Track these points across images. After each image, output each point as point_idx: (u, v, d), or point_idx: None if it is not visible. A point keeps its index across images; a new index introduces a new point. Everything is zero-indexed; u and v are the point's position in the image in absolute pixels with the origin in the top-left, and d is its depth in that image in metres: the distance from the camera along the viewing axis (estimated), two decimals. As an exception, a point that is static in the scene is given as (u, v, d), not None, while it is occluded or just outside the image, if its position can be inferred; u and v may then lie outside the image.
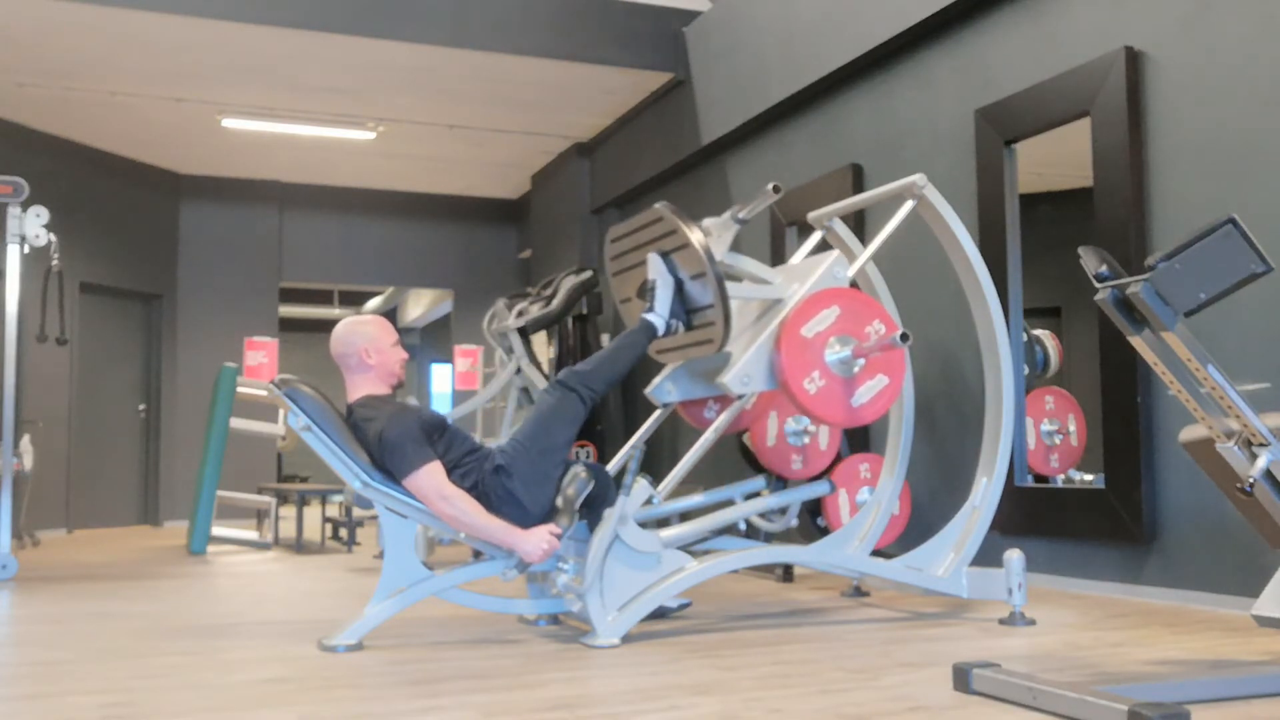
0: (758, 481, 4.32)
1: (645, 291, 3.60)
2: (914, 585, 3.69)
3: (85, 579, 5.24)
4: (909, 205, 3.77)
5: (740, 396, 3.76)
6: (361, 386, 3.42)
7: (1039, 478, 4.68)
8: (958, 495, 4.56)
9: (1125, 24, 4.17)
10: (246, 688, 2.57)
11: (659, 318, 3.55)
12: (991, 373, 3.81)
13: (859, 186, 5.59)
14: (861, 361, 3.46)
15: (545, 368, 7.88)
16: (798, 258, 4.09)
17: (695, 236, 3.41)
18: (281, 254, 10.53)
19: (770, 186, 3.46)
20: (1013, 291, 4.59)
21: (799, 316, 3.42)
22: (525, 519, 3.27)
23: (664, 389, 3.83)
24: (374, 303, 16.58)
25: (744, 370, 3.41)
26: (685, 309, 3.59)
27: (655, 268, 3.58)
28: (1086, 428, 4.74)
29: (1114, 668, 2.71)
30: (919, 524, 4.80)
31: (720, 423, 3.88)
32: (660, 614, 3.65)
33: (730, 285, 3.44)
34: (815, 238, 4.14)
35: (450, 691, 2.50)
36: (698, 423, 4.07)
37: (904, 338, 3.37)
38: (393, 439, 3.20)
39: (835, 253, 3.65)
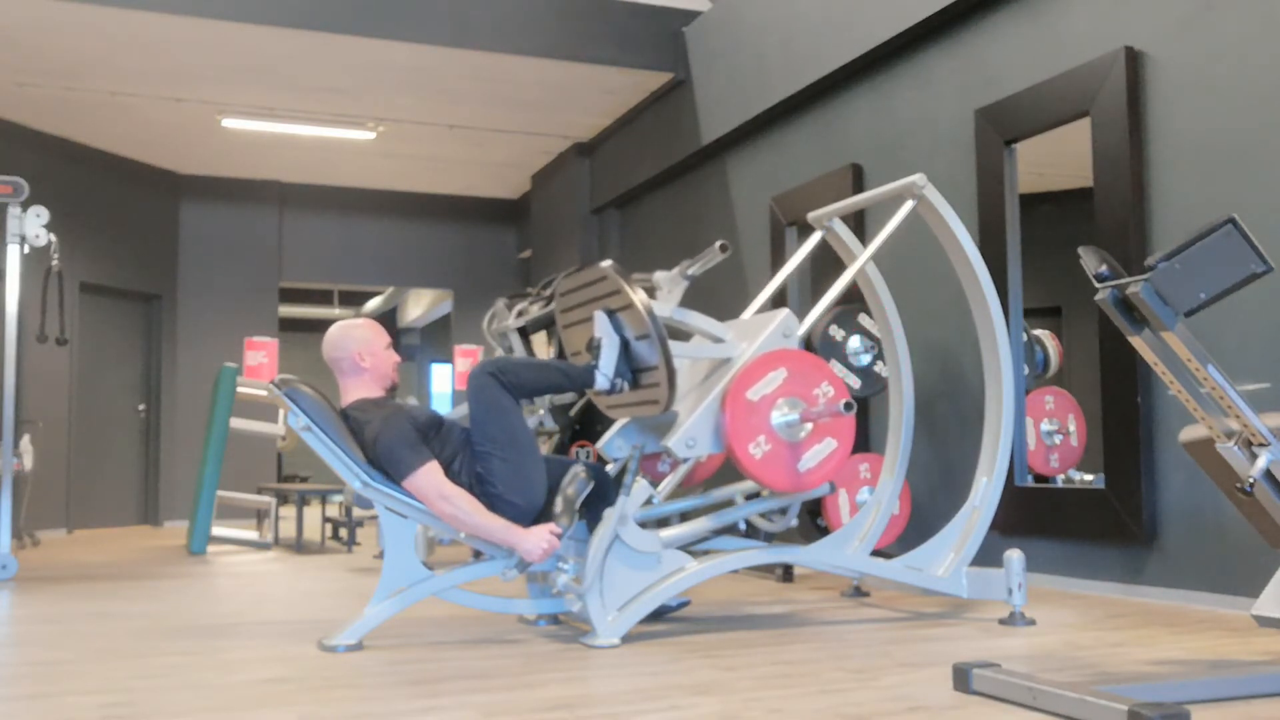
0: (757, 482, 4.32)
1: (592, 348, 3.57)
2: (914, 585, 3.69)
3: (85, 579, 5.24)
4: (909, 205, 3.77)
5: (685, 460, 3.71)
6: (355, 390, 3.41)
7: (1039, 478, 4.69)
8: (958, 495, 4.56)
9: (1125, 24, 4.17)
10: (246, 688, 2.57)
11: (604, 376, 3.51)
12: (991, 373, 3.81)
13: (859, 186, 5.59)
14: (809, 426, 3.43)
15: (545, 368, 7.87)
16: (798, 258, 4.10)
17: (639, 298, 3.37)
18: (281, 254, 10.53)
19: (719, 245, 3.45)
20: (1013, 291, 4.59)
21: (745, 378, 3.37)
22: (521, 515, 3.27)
23: (614, 444, 3.78)
24: (374, 303, 16.58)
25: (689, 433, 3.36)
26: (631, 368, 3.54)
27: (601, 326, 3.54)
28: (1086, 428, 4.74)
29: (1114, 668, 2.71)
30: (919, 524, 4.80)
31: (672, 480, 3.85)
32: (659, 613, 3.65)
33: (677, 345, 3.40)
34: (815, 238, 4.14)
35: (450, 691, 2.50)
36: (652, 475, 4.08)
37: (848, 406, 3.34)
38: (387, 443, 3.20)
39: (785, 311, 3.59)
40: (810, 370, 3.46)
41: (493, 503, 3.26)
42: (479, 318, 9.70)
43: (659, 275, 3.60)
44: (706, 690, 2.49)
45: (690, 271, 3.57)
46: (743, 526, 4.37)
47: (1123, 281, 2.29)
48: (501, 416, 3.30)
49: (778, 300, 5.67)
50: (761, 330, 3.53)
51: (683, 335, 3.72)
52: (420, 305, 15.18)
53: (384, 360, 3.45)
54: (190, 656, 3.02)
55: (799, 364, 3.45)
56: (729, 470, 5.30)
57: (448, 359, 12.19)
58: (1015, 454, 4.46)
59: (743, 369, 3.40)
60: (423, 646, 3.16)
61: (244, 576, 5.36)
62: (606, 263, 3.50)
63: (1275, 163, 3.62)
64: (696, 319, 3.61)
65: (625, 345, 3.53)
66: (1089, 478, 4.64)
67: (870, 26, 5.38)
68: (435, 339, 15.99)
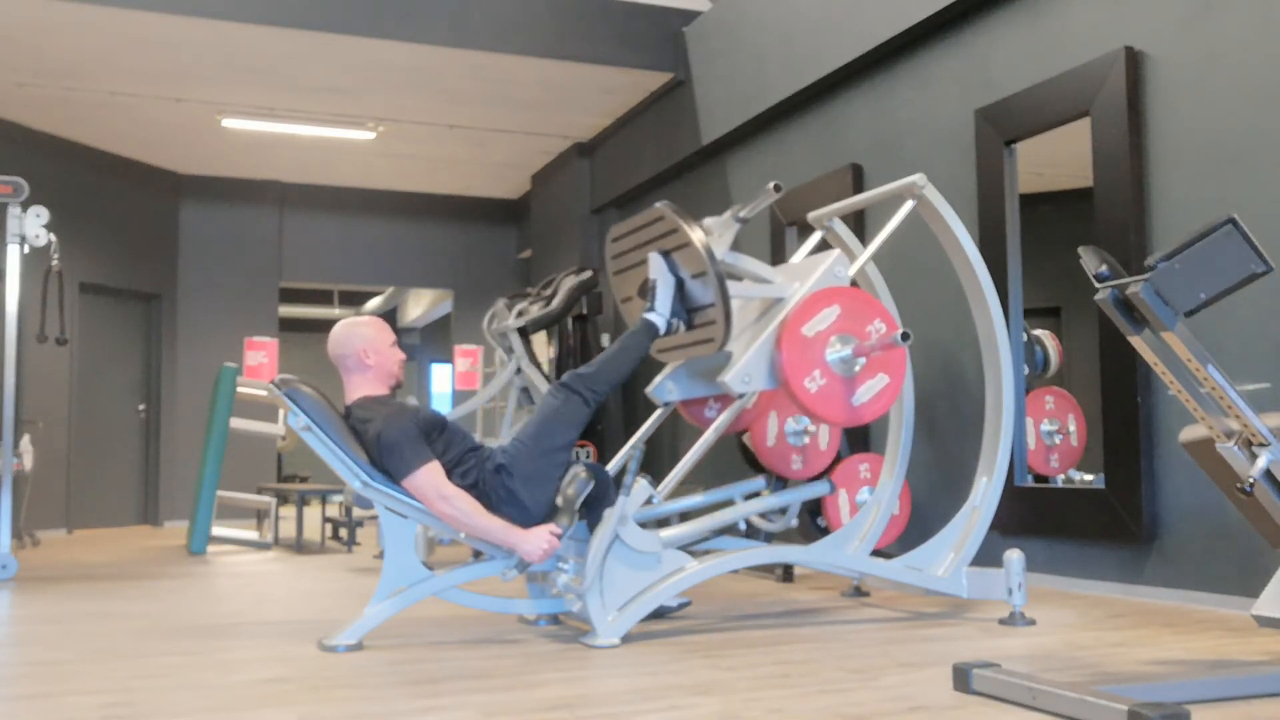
0: (758, 481, 4.32)
1: (646, 290, 3.60)
2: (914, 585, 3.69)
3: (85, 579, 5.24)
4: (909, 205, 3.77)
5: (741, 395, 3.76)
6: (360, 387, 3.41)
7: (1039, 478, 4.68)
8: (958, 495, 4.56)
9: (1125, 24, 4.17)
10: (246, 688, 2.57)
11: (660, 317, 3.56)
12: (991, 373, 3.81)
13: (859, 186, 5.59)
14: (862, 360, 3.46)
15: (545, 368, 7.89)
16: (798, 257, 4.09)
17: (696, 235, 3.41)
18: (281, 254, 10.53)
19: (771, 185, 3.46)
20: (1013, 291, 4.59)
21: (800, 315, 3.42)
22: (526, 518, 3.28)
23: (665, 388, 3.84)
24: (374, 303, 16.58)
25: (745, 369, 3.41)
26: (686, 308, 3.59)
27: (656, 267, 3.58)
28: (1086, 428, 4.73)
29: (1114, 668, 2.71)
30: (919, 524, 4.80)
31: (720, 422, 3.88)
32: (659, 613, 3.66)
33: (731, 284, 3.43)
34: (815, 238, 4.14)
35: (450, 691, 2.50)
36: (698, 421, 4.07)
37: (905, 336, 3.37)
38: (389, 440, 3.20)
39: (836, 252, 3.64)
40: (863, 308, 3.51)
41: (497, 501, 3.26)
42: (479, 318, 9.71)
43: (709, 220, 3.63)
44: (706, 690, 2.49)
45: (742, 215, 3.59)
46: (743, 526, 4.36)
47: (1123, 281, 2.29)
48: (565, 432, 3.38)
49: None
50: (813, 271, 3.59)
51: (732, 280, 3.74)
52: (420, 305, 15.18)
53: (389, 358, 3.45)
54: (190, 656, 3.02)
55: (852, 301, 3.50)
56: (730, 469, 5.30)
57: (448, 359, 12.19)
58: (1015, 454, 4.46)
59: (797, 306, 3.44)
60: (423, 646, 3.16)
61: (244, 576, 5.36)
62: (661, 203, 3.53)
63: (1275, 163, 3.62)
64: (748, 262, 3.65)
65: (680, 285, 3.56)
66: (1089, 478, 4.64)
67: (870, 26, 5.38)
68: (435, 339, 15.99)
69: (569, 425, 3.38)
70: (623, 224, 3.82)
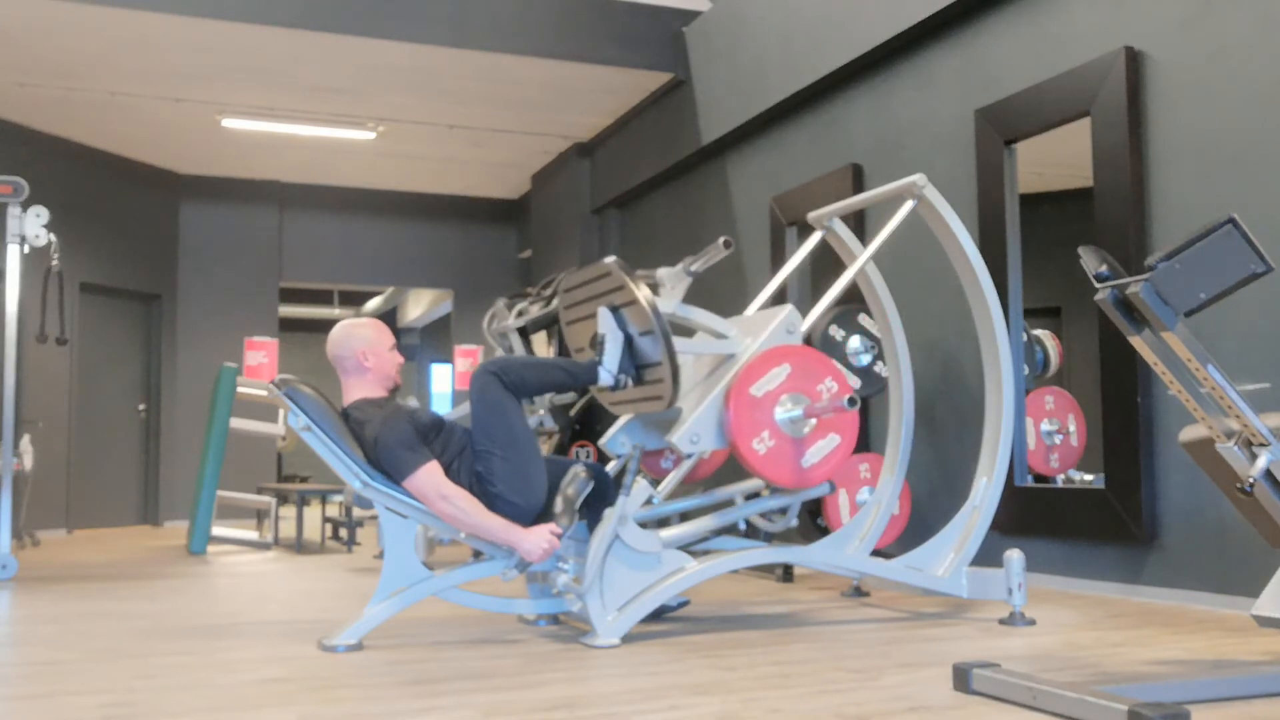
0: (758, 481, 4.32)
1: (596, 344, 3.57)
2: (914, 585, 3.69)
3: (85, 579, 5.24)
4: (909, 205, 3.77)
5: (689, 456, 3.71)
6: (357, 389, 3.41)
7: (1039, 478, 4.68)
8: (958, 495, 4.56)
9: (1125, 24, 4.17)
10: (246, 688, 2.57)
11: (607, 372, 3.51)
12: (991, 373, 3.81)
13: (859, 186, 5.59)
14: (813, 421, 3.44)
15: (545, 368, 7.86)
16: (798, 258, 4.10)
17: (642, 294, 3.37)
18: (281, 254, 10.53)
19: (722, 241, 3.45)
20: (1013, 291, 4.59)
21: (749, 375, 3.38)
22: (521, 514, 3.27)
23: (617, 440, 3.78)
24: (374, 303, 16.58)
25: (693, 429, 3.37)
26: (635, 364, 3.54)
27: (605, 322, 3.54)
28: (1086, 428, 4.73)
29: (1114, 668, 2.71)
30: (919, 524, 4.80)
31: (674, 478, 3.85)
32: (659, 612, 3.65)
33: (681, 341, 3.41)
34: (815, 238, 4.14)
35: (450, 691, 2.50)
36: (655, 473, 4.08)
37: (852, 402, 3.34)
38: (387, 443, 3.20)
39: (788, 307, 3.60)
40: (814, 366, 3.47)
41: (493, 502, 3.26)
42: (479, 318, 9.70)
43: (662, 272, 3.61)
44: (706, 690, 2.49)
45: (693, 268, 3.57)
46: (743, 526, 4.36)
47: (1123, 281, 2.29)
48: (503, 416, 3.30)
49: (778, 300, 5.67)
50: (765, 326, 3.54)
51: (686, 331, 3.73)
52: (420, 305, 15.18)
53: (387, 361, 3.45)
54: (190, 656, 3.02)
55: (803, 360, 3.46)
56: (730, 469, 5.30)
57: (448, 359, 12.20)
58: (1015, 454, 4.46)
59: (746, 365, 3.41)
60: (423, 646, 3.16)
61: (244, 576, 5.36)
62: (610, 259, 3.51)
63: (1275, 163, 3.62)
64: (699, 315, 3.61)
65: (629, 341, 3.54)
66: (1089, 478, 4.64)
67: (870, 26, 5.38)
68: (435, 339, 15.99)
69: (507, 410, 3.30)
70: (575, 274, 3.78)
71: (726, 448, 3.43)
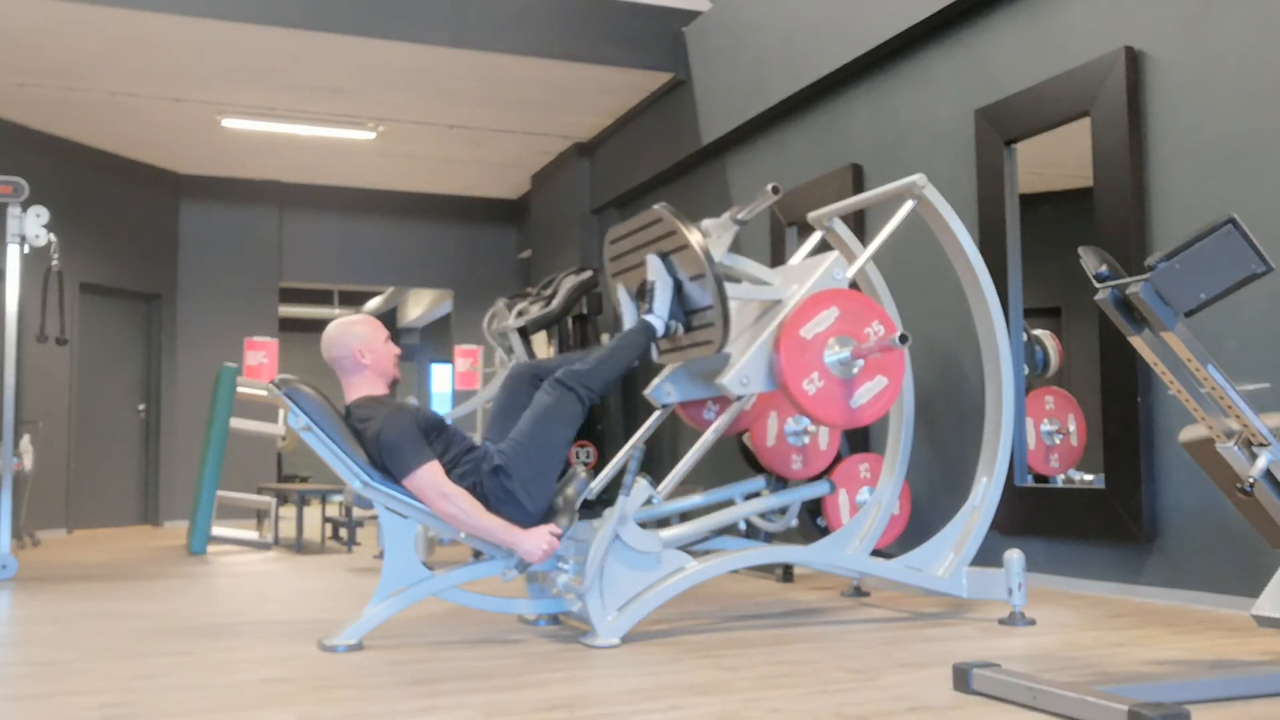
0: (758, 481, 4.32)
1: (644, 292, 3.60)
2: (914, 585, 3.69)
3: (85, 579, 5.24)
4: (909, 205, 3.77)
5: (739, 398, 3.76)
6: (359, 387, 3.41)
7: (1039, 478, 4.68)
8: (958, 495, 4.56)
9: (1125, 24, 4.17)
10: (246, 688, 2.57)
11: (658, 319, 3.55)
12: (991, 373, 3.81)
13: (859, 186, 5.59)
14: (861, 362, 3.46)
15: (545, 368, 7.86)
16: (798, 258, 4.09)
17: (694, 238, 3.42)
18: (281, 254, 10.53)
19: (770, 187, 3.46)
20: (1013, 291, 4.59)
21: (798, 317, 3.42)
22: (525, 518, 3.27)
23: (663, 390, 3.84)
24: (374, 303, 16.58)
25: (743, 371, 3.41)
26: (684, 310, 3.59)
27: (654, 269, 3.58)
28: (1086, 428, 4.73)
29: (1114, 668, 2.71)
30: (919, 524, 4.80)
31: (720, 424, 3.88)
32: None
33: (729, 286, 3.43)
34: (815, 238, 4.14)
35: (450, 691, 2.50)
36: (697, 424, 4.07)
37: (903, 339, 3.37)
38: (390, 439, 3.20)
39: (835, 254, 3.64)
40: (861, 309, 3.51)
41: (502, 496, 3.26)
42: (479, 318, 9.71)
43: (708, 222, 3.63)
44: (706, 690, 2.49)
45: (740, 217, 3.59)
46: (743, 526, 4.36)
47: (1123, 281, 2.29)
48: (561, 429, 3.36)
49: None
50: (811, 273, 3.58)
51: (731, 281, 3.75)
52: (420, 305, 15.18)
53: (384, 355, 3.45)
54: (190, 656, 3.02)
55: (850, 303, 3.50)
56: (730, 469, 5.30)
57: (448, 359, 12.19)
58: (1015, 454, 4.46)
59: (795, 308, 3.44)
60: (423, 646, 3.16)
61: (244, 576, 5.36)
62: (660, 204, 3.53)
63: (1275, 163, 3.62)
64: (745, 264, 3.65)
65: (678, 287, 3.56)
66: (1089, 478, 4.64)
67: (870, 26, 5.38)
68: (435, 339, 15.99)
69: (564, 423, 3.37)
70: (621, 225, 3.83)
71: (777, 389, 3.46)
